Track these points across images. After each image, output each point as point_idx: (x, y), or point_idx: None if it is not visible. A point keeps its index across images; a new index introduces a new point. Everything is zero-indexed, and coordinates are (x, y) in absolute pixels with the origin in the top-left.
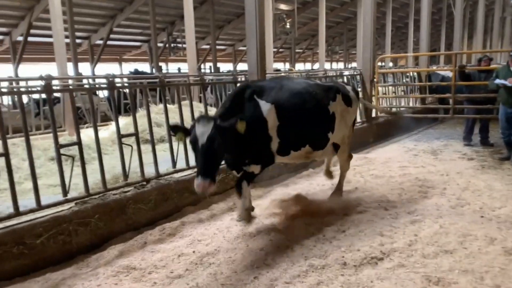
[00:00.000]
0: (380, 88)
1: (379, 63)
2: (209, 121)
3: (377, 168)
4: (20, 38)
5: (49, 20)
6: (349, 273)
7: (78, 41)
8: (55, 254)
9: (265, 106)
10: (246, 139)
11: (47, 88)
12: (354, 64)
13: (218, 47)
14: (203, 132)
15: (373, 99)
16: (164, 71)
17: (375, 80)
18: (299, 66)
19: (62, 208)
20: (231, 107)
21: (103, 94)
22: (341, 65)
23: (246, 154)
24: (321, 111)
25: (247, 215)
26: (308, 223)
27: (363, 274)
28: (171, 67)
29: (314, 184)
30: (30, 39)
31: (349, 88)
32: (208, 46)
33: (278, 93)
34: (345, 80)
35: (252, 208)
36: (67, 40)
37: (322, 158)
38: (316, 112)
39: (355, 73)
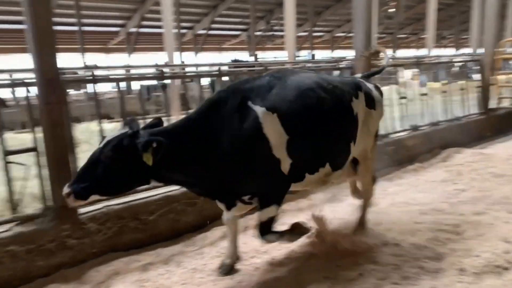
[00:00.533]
0: (501, 77)
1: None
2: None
3: (497, 165)
4: (133, 30)
5: (158, 12)
6: (468, 280)
7: (182, 31)
8: (165, 231)
9: (262, 115)
10: (235, 166)
11: (161, 75)
12: (465, 50)
13: (315, 34)
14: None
15: (494, 88)
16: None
17: (496, 67)
18: (401, 53)
19: (172, 188)
20: (202, 120)
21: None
22: (449, 51)
23: (242, 187)
24: (343, 112)
25: None
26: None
27: (486, 283)
28: (268, 56)
29: (422, 180)
30: (141, 30)
31: (371, 85)
32: (304, 34)
33: (280, 94)
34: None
35: None
36: (174, 31)
37: (339, 181)
38: (337, 114)
39: (472, 59)
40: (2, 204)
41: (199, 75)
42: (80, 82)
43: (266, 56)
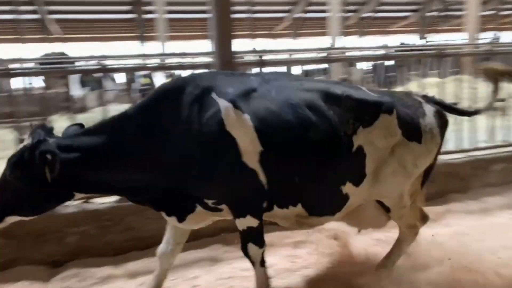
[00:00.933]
0: None
1: None
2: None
3: None
4: (298, 15)
5: None
6: None
7: (347, 15)
8: None
9: (228, 112)
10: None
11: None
12: None
13: (502, 12)
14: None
15: None
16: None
17: None
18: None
19: None
20: (148, 112)
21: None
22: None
23: (203, 189)
24: (334, 145)
25: None
26: None
27: None
28: (440, 39)
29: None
30: (306, 15)
31: (427, 108)
32: (489, 13)
33: (258, 98)
34: None
35: None
36: (339, 15)
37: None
38: (323, 146)
39: None
40: None
41: (363, 58)
42: (249, 65)
43: (438, 38)
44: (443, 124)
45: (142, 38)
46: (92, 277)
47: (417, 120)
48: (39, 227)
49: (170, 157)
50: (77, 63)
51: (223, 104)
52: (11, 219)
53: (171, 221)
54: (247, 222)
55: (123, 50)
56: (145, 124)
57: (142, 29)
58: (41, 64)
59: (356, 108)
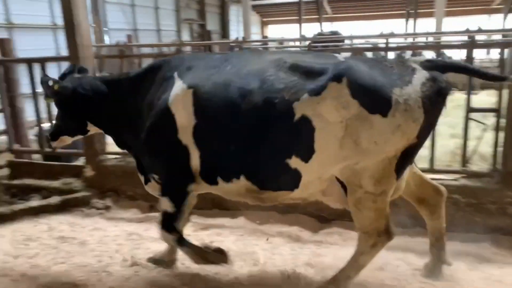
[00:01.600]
0: None
1: None
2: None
3: None
4: None
5: None
6: None
7: None
8: None
9: (177, 89)
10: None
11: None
12: None
13: None
14: None
15: None
16: None
17: None
18: None
19: None
20: (137, 79)
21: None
22: None
23: (148, 162)
24: (276, 115)
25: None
26: None
27: None
28: None
29: None
30: None
31: (417, 76)
32: None
33: (211, 73)
34: None
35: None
36: None
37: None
38: (264, 116)
39: None
40: (451, 156)
41: None
42: None
43: None
44: (433, 95)
45: (413, 15)
46: (352, 239)
47: (389, 89)
48: None
49: (136, 122)
50: (346, 42)
51: (178, 83)
52: (64, 139)
53: (142, 180)
54: (164, 204)
55: (391, 28)
56: (131, 87)
57: (413, 5)
58: (314, 43)
59: (302, 76)
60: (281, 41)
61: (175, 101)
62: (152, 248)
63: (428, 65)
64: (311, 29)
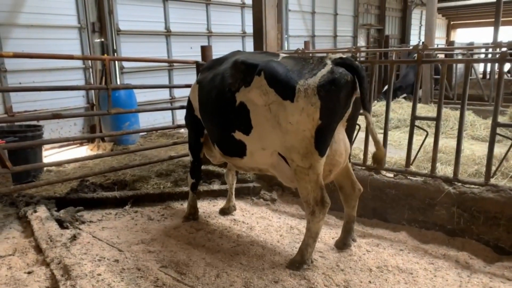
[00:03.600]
0: None
1: None
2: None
3: None
4: None
5: None
6: None
7: None
8: None
9: (193, 85)
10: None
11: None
12: None
13: None
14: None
15: None
16: None
17: None
18: None
19: None
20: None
21: None
22: None
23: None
24: (225, 101)
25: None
26: None
27: None
28: None
29: None
30: None
31: (322, 70)
32: None
33: (211, 73)
34: None
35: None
36: None
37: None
38: (220, 102)
39: None
40: None
41: None
42: None
43: None
44: (327, 84)
45: None
46: None
47: (294, 80)
48: (496, 210)
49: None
50: None
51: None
52: None
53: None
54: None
55: None
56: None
57: None
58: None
59: (243, 71)
60: (470, 48)
61: (192, 91)
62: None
63: (338, 61)
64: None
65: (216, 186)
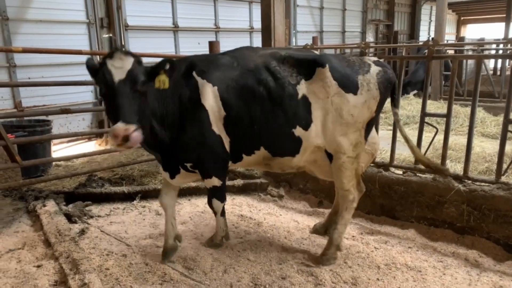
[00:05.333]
0: None
1: None
2: (127, 55)
3: None
4: None
5: None
6: None
7: None
8: None
9: (205, 88)
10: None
11: None
12: None
13: None
14: (120, 65)
15: None
16: None
17: None
18: None
19: None
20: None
21: None
22: None
23: (183, 153)
24: (283, 96)
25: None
26: None
27: None
28: None
29: None
30: None
31: (373, 68)
32: None
33: (226, 71)
34: None
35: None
36: None
37: (304, 169)
38: (275, 97)
39: None
40: None
41: None
42: None
43: None
44: (385, 81)
45: None
46: None
47: (355, 75)
48: (506, 208)
49: (168, 113)
50: None
51: (200, 81)
52: None
53: (167, 176)
54: (212, 182)
55: None
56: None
57: None
58: None
59: (297, 65)
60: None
61: (205, 98)
62: (317, 241)
63: (377, 63)
64: None
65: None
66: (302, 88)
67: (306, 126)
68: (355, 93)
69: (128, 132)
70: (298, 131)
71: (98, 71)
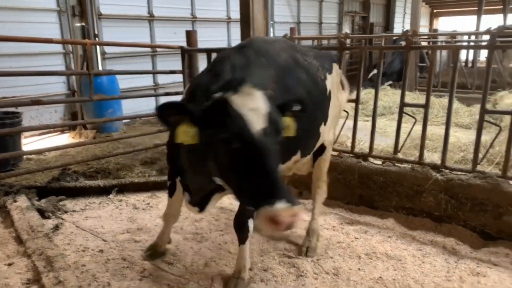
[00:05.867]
0: None
1: None
2: (253, 90)
3: None
4: None
5: None
6: None
7: None
8: None
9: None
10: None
11: None
12: None
13: None
14: (257, 108)
15: None
16: None
17: None
18: None
19: None
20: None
21: None
22: None
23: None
24: (316, 91)
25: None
26: None
27: None
28: None
29: None
30: None
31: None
32: None
33: (263, 70)
34: None
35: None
36: None
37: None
38: (311, 94)
39: None
40: None
41: None
42: None
43: None
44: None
45: None
46: None
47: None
48: (483, 196)
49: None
50: None
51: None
52: None
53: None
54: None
55: None
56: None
57: None
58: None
59: (317, 58)
60: (454, 35)
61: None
62: (298, 232)
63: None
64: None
65: None
66: (328, 84)
67: (326, 121)
68: (343, 89)
69: (296, 219)
70: (322, 128)
71: (213, 117)
